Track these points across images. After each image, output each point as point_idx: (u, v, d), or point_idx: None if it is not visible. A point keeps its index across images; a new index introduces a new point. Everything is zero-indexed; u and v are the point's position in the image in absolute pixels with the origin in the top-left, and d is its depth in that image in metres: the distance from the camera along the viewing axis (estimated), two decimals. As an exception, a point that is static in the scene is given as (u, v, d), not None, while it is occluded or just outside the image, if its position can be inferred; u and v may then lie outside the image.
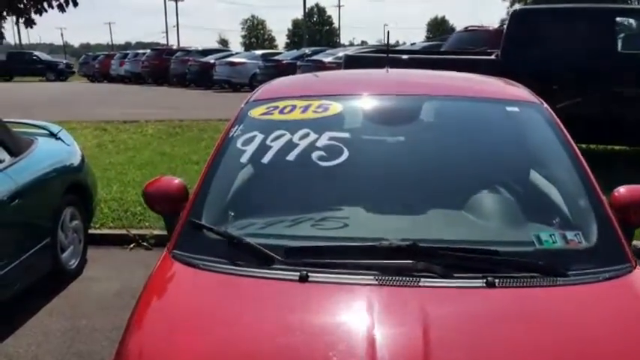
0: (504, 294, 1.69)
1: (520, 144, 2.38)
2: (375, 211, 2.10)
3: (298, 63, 18.32)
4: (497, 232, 2.00)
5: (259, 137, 2.28)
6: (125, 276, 4.66)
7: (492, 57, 7.73)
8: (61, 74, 35.03)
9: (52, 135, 5.01)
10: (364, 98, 2.58)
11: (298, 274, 1.75)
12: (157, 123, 11.59)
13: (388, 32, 3.51)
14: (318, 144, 2.22)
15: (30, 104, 16.54)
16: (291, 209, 2.12)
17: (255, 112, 2.44)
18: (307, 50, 22.87)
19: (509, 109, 2.42)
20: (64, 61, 39.30)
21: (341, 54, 18.29)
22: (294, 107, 2.41)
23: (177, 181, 2.38)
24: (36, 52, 39.83)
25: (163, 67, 26.76)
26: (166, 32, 68.53)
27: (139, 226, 5.64)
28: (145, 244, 5.37)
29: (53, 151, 4.76)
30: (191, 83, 24.91)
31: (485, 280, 1.70)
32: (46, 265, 4.27)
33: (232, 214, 2.12)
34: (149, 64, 27.97)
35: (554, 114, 2.41)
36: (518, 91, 2.66)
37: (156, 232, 5.52)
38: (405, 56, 7.40)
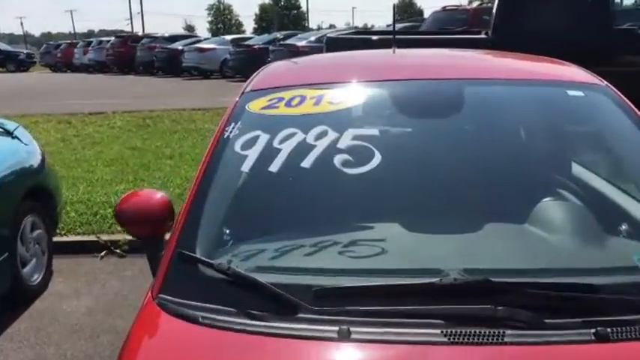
0: (625, 352, 1.24)
1: (591, 138, 1.93)
2: (418, 230, 1.63)
3: (270, 48, 17.75)
4: (587, 256, 1.55)
5: (264, 138, 1.79)
6: (97, 290, 4.14)
7: (482, 36, 7.31)
8: (21, 65, 33.67)
9: (8, 133, 4.42)
10: (391, 85, 2.08)
11: (337, 328, 1.28)
12: (125, 114, 10.92)
13: (394, 6, 3.00)
14: (341, 145, 1.73)
15: (-12, 97, 15.66)
16: (311, 231, 1.65)
17: (255, 106, 1.94)
18: (279, 34, 22.22)
19: (571, 93, 1.96)
20: (25, 51, 37.85)
21: (313, 37, 17.79)
22: (303, 98, 1.92)
23: (159, 195, 1.88)
24: (-6, 43, 38.33)
25: (129, 54, 25.86)
26: (130, 19, 66.85)
27: (110, 231, 5.10)
28: (117, 251, 4.83)
29: (8, 152, 4.18)
30: (159, 71, 24.15)
31: (594, 331, 1.25)
32: (5, 283, 3.71)
33: (234, 240, 1.64)
34: (114, 52, 27.02)
35: (623, 97, 1.96)
36: (576, 70, 2.19)
37: (129, 237, 4.99)
38: (401, 37, 6.94)
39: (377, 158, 1.69)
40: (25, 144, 4.45)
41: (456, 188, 1.74)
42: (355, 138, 1.75)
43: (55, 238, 4.70)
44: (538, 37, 6.68)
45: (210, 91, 16.11)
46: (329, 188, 1.72)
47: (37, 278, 4.12)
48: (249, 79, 2.20)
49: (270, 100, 1.94)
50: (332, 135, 1.76)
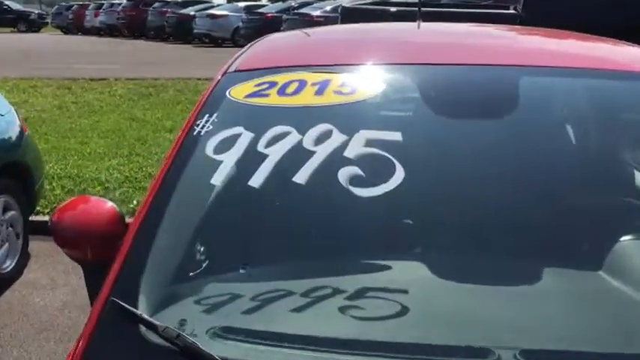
0: None
1: None
2: (453, 278, 1.17)
3: (284, 17, 17.12)
4: None
5: (246, 138, 1.32)
6: (75, 281, 3.72)
7: (511, 11, 6.73)
8: (32, 25, 33.16)
9: (-19, 102, 3.98)
10: (419, 71, 1.58)
11: None
12: (128, 82, 10.43)
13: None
14: (349, 153, 1.27)
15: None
16: (304, 271, 1.20)
17: (239, 92, 1.47)
18: (293, 2, 21.50)
19: None
20: (36, 12, 37.24)
21: (329, 7, 17.10)
22: (303, 84, 1.44)
23: (108, 205, 1.43)
24: (7, 2, 37.65)
25: (140, 18, 25.25)
26: (145, -18, 65.58)
27: (97, 212, 4.67)
28: (103, 235, 4.41)
29: (-20, 124, 3.74)
30: (169, 36, 23.57)
31: None
32: (-30, 272, 3.31)
33: (196, 280, 1.19)
34: (125, 16, 26.42)
35: None
36: None
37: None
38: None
39: (399, 175, 1.22)
40: (1, 114, 4.00)
41: (506, 218, 1.26)
42: (370, 144, 1.28)
43: (35, 217, 4.31)
44: (574, 16, 6.11)
45: (220, 60, 15.40)
46: (330, 214, 1.25)
47: (9, 265, 3.71)
48: (235, 56, 1.71)
49: (260, 84, 1.46)
50: (338, 138, 1.29)
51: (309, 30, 2.23)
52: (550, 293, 1.15)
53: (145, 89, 9.67)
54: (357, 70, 1.49)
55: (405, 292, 1.14)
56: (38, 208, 4.41)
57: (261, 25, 17.79)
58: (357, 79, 1.45)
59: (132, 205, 4.69)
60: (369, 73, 1.48)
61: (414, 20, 1.98)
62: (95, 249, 1.37)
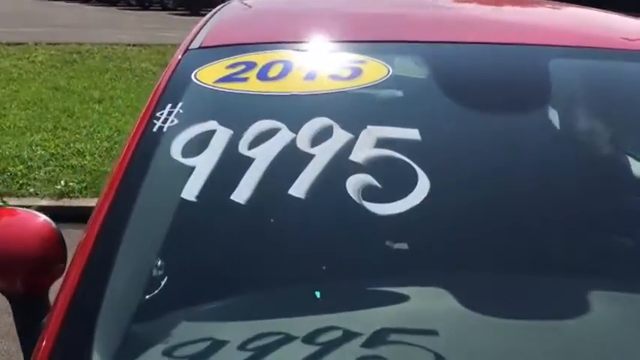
0: None
1: None
2: (488, 311, 0.94)
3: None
4: None
5: (222, 136, 1.04)
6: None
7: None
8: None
9: None
10: (436, 50, 1.29)
11: None
12: (50, 47, 9.63)
13: None
14: (357, 156, 1.01)
15: None
16: (304, 306, 0.94)
17: (208, 75, 1.17)
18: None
19: None
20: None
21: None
22: (289, 66, 1.16)
23: (41, 220, 1.12)
24: None
25: (59, -22, 23.72)
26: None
27: (20, 194, 4.24)
28: (28, 220, 3.98)
29: None
30: (92, -3, 22.35)
31: None
32: None
33: (163, 322, 0.92)
34: (43, -26, 24.74)
35: None
36: None
37: (44, 202, 4.15)
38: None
39: (423, 184, 0.97)
40: None
41: (549, 238, 1.03)
42: (381, 144, 1.02)
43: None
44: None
45: (149, 25, 14.78)
46: (341, 236, 0.99)
47: None
48: (198, 26, 1.39)
49: (234, 65, 1.17)
50: (341, 136, 1.03)
51: None
52: (604, 331, 0.94)
53: (68, 55, 8.95)
54: (358, 49, 1.21)
55: (432, 333, 0.91)
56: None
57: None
58: (359, 57, 1.18)
59: (59, 187, 4.27)
60: (373, 52, 1.20)
61: None
62: (27, 277, 1.07)
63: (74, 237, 1.09)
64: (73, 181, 4.37)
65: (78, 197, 4.23)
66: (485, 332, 0.93)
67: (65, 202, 4.16)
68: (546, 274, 0.99)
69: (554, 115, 1.22)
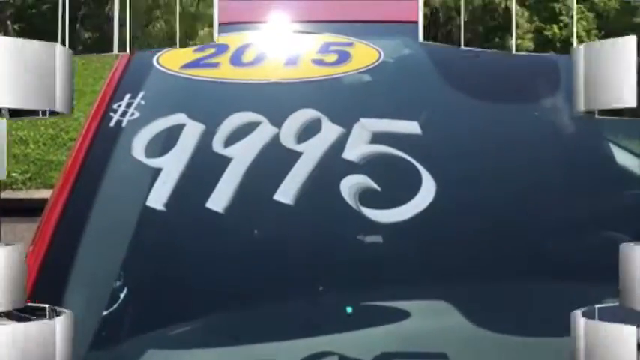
0: None
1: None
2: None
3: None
4: None
5: (193, 131, 0.89)
6: None
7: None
8: None
9: None
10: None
11: None
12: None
13: None
14: (350, 154, 0.88)
15: None
16: (294, 328, 0.82)
17: (171, 59, 1.01)
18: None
19: None
20: None
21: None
22: (265, 49, 1.02)
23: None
24: None
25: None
26: None
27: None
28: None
29: None
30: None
31: None
32: None
33: (128, 346, 0.78)
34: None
35: None
36: None
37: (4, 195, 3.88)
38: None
39: (428, 187, 0.84)
40: None
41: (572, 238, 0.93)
42: (377, 139, 0.89)
43: None
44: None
45: None
46: (332, 249, 0.86)
47: None
48: None
49: (202, 49, 1.01)
50: (331, 131, 0.89)
51: None
52: None
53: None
54: (345, 28, 1.06)
55: (444, 356, 0.79)
56: None
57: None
58: (346, 39, 1.03)
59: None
60: (360, 30, 1.05)
61: None
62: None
63: (19, 232, 0.94)
64: (15, 172, 4.11)
65: (22, 189, 3.98)
66: (500, 354, 0.82)
67: (9, 194, 3.90)
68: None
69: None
